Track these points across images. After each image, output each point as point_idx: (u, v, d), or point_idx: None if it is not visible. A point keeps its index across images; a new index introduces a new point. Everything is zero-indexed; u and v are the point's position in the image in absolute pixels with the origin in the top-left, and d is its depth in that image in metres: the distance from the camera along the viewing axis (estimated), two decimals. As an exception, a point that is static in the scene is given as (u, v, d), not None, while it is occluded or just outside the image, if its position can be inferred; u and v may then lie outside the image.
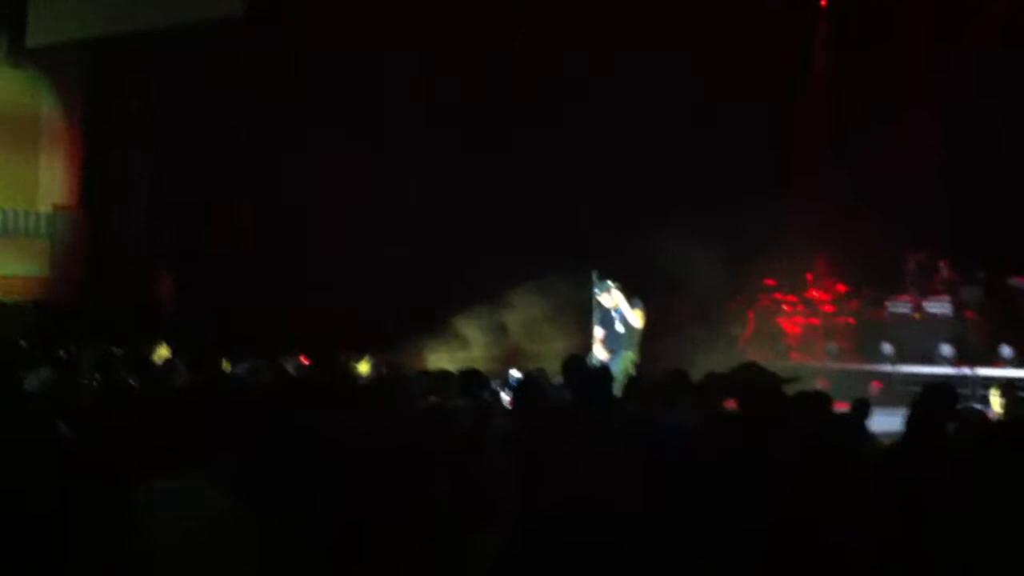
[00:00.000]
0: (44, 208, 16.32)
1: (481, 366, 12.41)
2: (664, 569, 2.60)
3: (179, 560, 2.98)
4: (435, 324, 13.52)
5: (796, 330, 14.01)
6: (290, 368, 8.29)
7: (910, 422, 4.98)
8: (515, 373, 10.32)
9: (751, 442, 4.51)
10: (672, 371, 6.96)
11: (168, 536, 3.01)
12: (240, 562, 3.04)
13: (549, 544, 2.52)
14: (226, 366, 8.35)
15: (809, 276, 14.28)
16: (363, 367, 8.90)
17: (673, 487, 3.53)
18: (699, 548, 2.89)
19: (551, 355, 11.37)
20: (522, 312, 13.17)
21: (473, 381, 6.96)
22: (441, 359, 13.02)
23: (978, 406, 9.84)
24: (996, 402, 6.51)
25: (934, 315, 13.06)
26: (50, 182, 16.33)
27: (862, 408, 6.26)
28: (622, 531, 2.63)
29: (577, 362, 7.53)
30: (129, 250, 16.33)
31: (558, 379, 7.80)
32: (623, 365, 9.87)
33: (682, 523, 3.01)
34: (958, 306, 12.91)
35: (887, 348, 12.94)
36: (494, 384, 8.15)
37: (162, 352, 10.04)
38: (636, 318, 10.22)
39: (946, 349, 12.42)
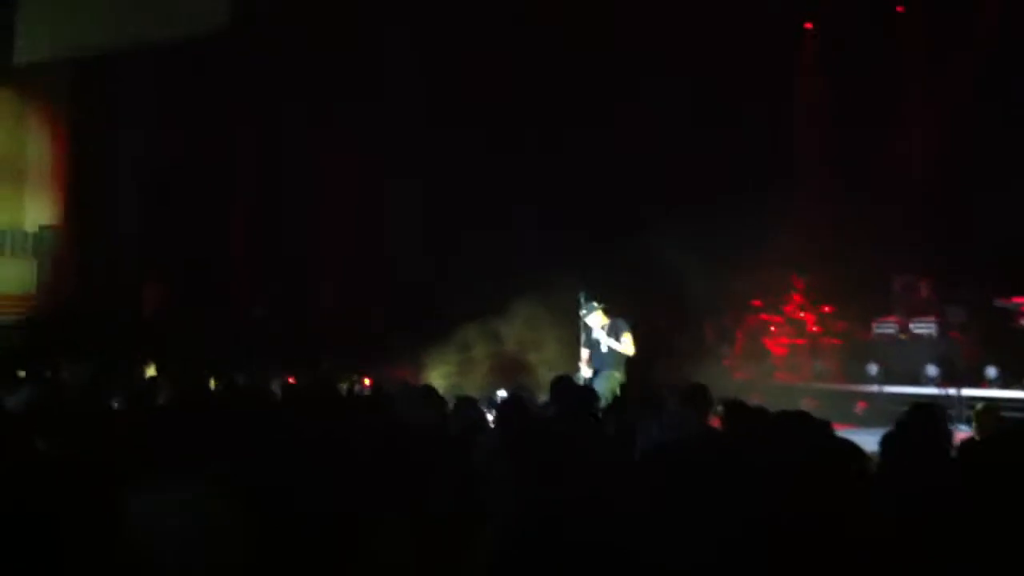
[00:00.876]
0: (31, 227, 16.30)
1: (480, 377, 12.48)
2: (659, 571, 2.60)
3: (169, 569, 2.97)
4: (434, 336, 13.52)
5: (782, 350, 14.05)
6: (275, 386, 8.29)
7: (895, 441, 4.99)
8: (500, 392, 10.33)
9: (747, 448, 4.51)
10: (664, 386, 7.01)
11: (156, 545, 2.99)
12: (230, 568, 3.03)
13: (540, 549, 2.52)
14: (213, 383, 8.35)
15: (796, 297, 14.32)
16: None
17: (668, 491, 3.51)
18: (693, 551, 2.88)
19: (547, 366, 11.41)
20: (519, 323, 13.19)
21: (457, 399, 6.98)
22: (440, 370, 13.06)
23: (964, 427, 9.92)
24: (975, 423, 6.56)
25: (920, 335, 13.10)
26: (37, 201, 16.32)
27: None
28: (615, 534, 2.63)
29: (564, 382, 7.57)
30: (116, 267, 16.31)
31: (543, 399, 7.82)
32: (609, 384, 9.88)
33: (675, 526, 3.00)
34: (944, 327, 12.96)
35: (873, 368, 12.97)
36: (480, 404, 8.16)
37: (150, 371, 10.05)
38: (628, 345, 10.23)
39: (932, 369, 12.46)
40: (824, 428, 5.84)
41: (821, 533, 3.07)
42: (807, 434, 5.41)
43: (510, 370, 12.60)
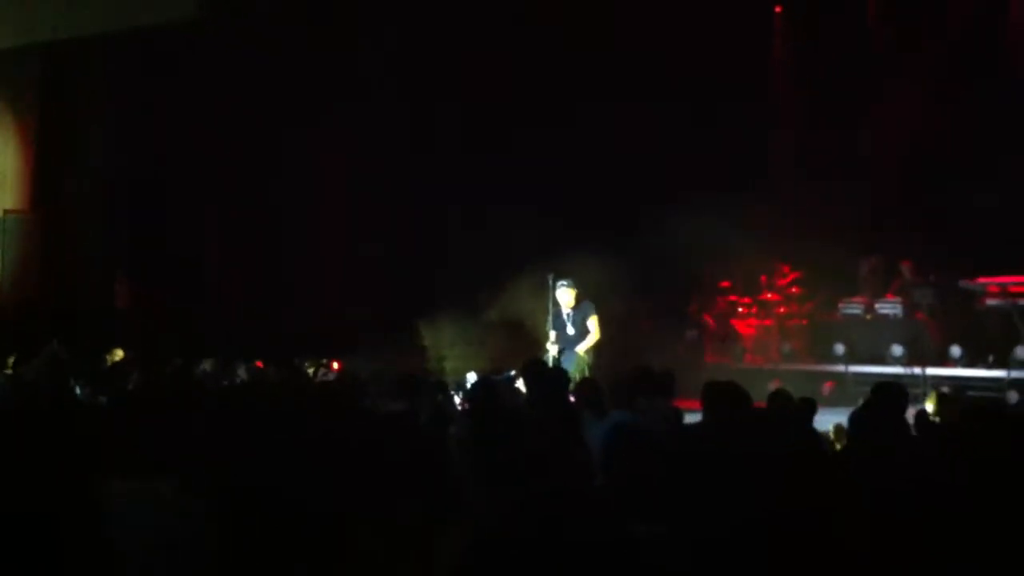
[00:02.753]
0: (-6, 211, 16.08)
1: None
2: (643, 569, 2.60)
3: (142, 560, 2.96)
4: (408, 326, 13.50)
5: (751, 331, 14.15)
6: (242, 372, 8.27)
7: (862, 420, 5.04)
8: (471, 376, 10.33)
9: (736, 442, 4.54)
10: (634, 369, 7.03)
11: (131, 537, 2.99)
12: (201, 557, 3.03)
13: (509, 545, 2.52)
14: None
15: (763, 278, 14.42)
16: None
17: (656, 486, 3.52)
18: (681, 547, 2.89)
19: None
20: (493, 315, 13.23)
21: (428, 385, 6.98)
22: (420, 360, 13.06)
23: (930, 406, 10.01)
24: (931, 404, 6.64)
25: (885, 316, 13.24)
26: (1, 186, 16.11)
27: (808, 408, 6.35)
28: (590, 531, 2.63)
29: (535, 365, 7.57)
30: (83, 254, 16.14)
31: (505, 374, 7.83)
32: (577, 366, 9.89)
33: (664, 522, 3.01)
34: (909, 308, 13.09)
35: (839, 349, 13.10)
36: (450, 389, 8.18)
37: (118, 354, 9.98)
38: (593, 329, 10.22)
39: (897, 349, 12.59)
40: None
41: (809, 523, 3.08)
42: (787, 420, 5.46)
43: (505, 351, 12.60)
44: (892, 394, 5.69)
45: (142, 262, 15.73)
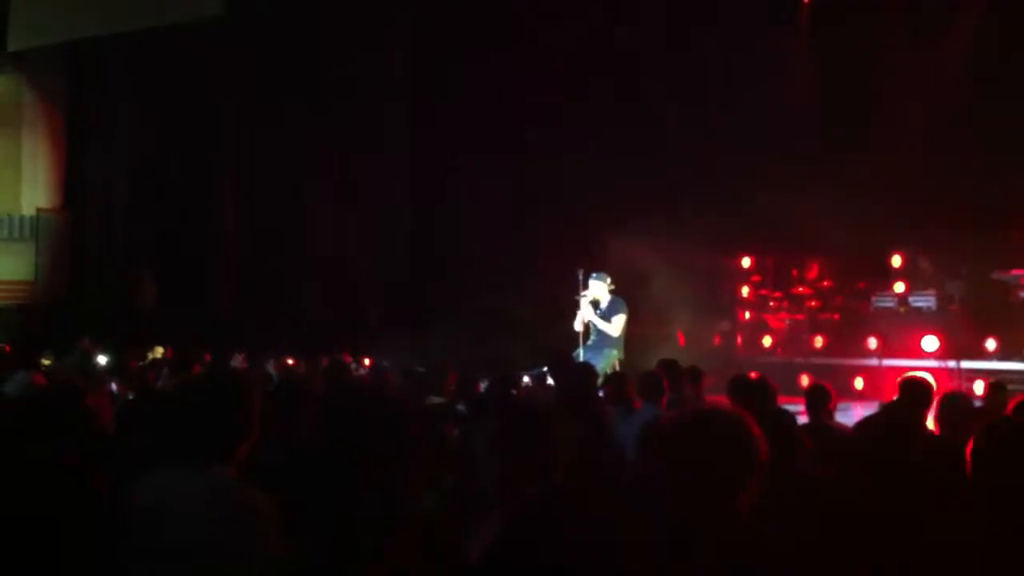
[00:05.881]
0: (28, 212, 16.25)
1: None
2: (656, 568, 2.58)
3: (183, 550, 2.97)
4: (421, 323, 13.52)
5: (782, 325, 14.05)
6: (270, 367, 8.30)
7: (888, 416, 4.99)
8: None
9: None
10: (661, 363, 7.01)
11: (174, 527, 2.99)
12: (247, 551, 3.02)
13: (531, 537, 2.51)
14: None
15: (794, 272, 14.31)
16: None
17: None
18: (689, 544, 2.87)
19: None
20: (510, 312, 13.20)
21: (459, 379, 6.97)
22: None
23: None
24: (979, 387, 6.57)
25: (918, 309, 13.10)
26: (33, 185, 16.28)
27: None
28: (603, 526, 2.62)
29: (561, 358, 7.55)
30: (112, 251, 16.32)
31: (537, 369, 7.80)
32: (608, 362, 9.81)
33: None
34: (942, 300, 12.96)
35: (872, 342, 12.98)
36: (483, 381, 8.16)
37: (158, 351, 10.08)
38: (616, 326, 10.09)
39: (930, 342, 12.45)
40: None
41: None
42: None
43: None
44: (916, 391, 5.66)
45: (164, 261, 15.86)
